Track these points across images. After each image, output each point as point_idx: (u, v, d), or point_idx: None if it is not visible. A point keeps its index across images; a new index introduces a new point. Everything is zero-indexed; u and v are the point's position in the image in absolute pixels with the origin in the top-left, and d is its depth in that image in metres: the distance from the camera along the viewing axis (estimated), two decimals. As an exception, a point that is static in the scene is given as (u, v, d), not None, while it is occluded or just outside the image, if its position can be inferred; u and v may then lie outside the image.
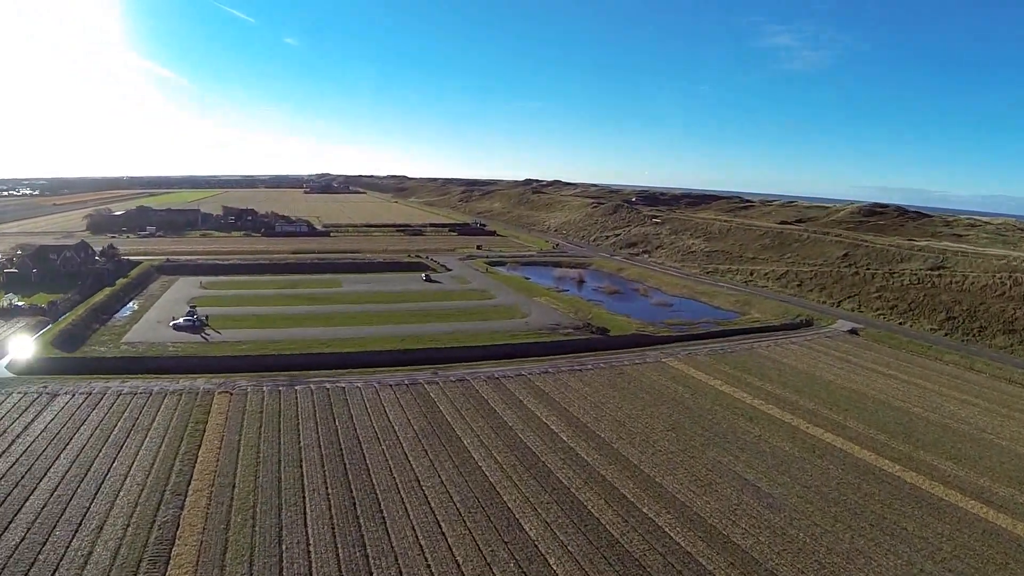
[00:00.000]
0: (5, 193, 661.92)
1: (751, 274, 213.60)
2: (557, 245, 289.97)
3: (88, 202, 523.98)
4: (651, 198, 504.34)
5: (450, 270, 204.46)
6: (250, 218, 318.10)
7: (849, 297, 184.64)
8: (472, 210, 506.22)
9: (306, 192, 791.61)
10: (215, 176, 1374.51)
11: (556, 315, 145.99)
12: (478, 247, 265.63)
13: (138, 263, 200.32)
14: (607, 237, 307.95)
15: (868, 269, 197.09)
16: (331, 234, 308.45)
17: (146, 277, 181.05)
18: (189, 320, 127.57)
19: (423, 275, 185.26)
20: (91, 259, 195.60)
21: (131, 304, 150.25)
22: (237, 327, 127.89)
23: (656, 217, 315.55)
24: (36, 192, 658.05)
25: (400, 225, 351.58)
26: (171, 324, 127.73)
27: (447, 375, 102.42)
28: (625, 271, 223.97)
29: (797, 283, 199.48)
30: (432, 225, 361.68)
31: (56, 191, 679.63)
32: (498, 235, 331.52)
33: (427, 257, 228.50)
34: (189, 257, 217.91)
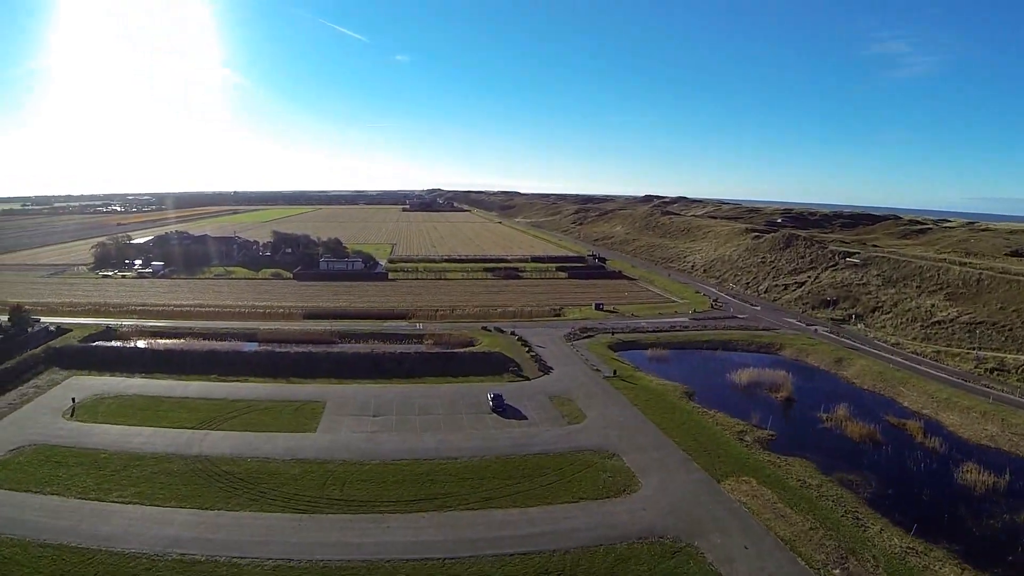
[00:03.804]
0: (94, 208, 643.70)
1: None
2: (716, 300, 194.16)
3: (159, 221, 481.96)
4: (799, 219, 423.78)
5: (549, 370, 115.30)
6: (289, 250, 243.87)
7: None
8: (587, 235, 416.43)
9: (404, 210, 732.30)
10: (325, 192, 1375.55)
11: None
12: (598, 306, 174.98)
13: (65, 332, 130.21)
14: (785, 287, 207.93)
15: None
16: (390, 275, 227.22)
17: (19, 372, 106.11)
18: None
19: (490, 396, 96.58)
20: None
21: None
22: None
23: (851, 255, 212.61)
24: (120, 209, 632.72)
25: (492, 260, 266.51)
26: None
27: None
28: (851, 365, 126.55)
29: None
30: (535, 260, 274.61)
31: (141, 207, 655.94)
32: (624, 277, 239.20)
33: (513, 332, 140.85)
34: (143, 323, 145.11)
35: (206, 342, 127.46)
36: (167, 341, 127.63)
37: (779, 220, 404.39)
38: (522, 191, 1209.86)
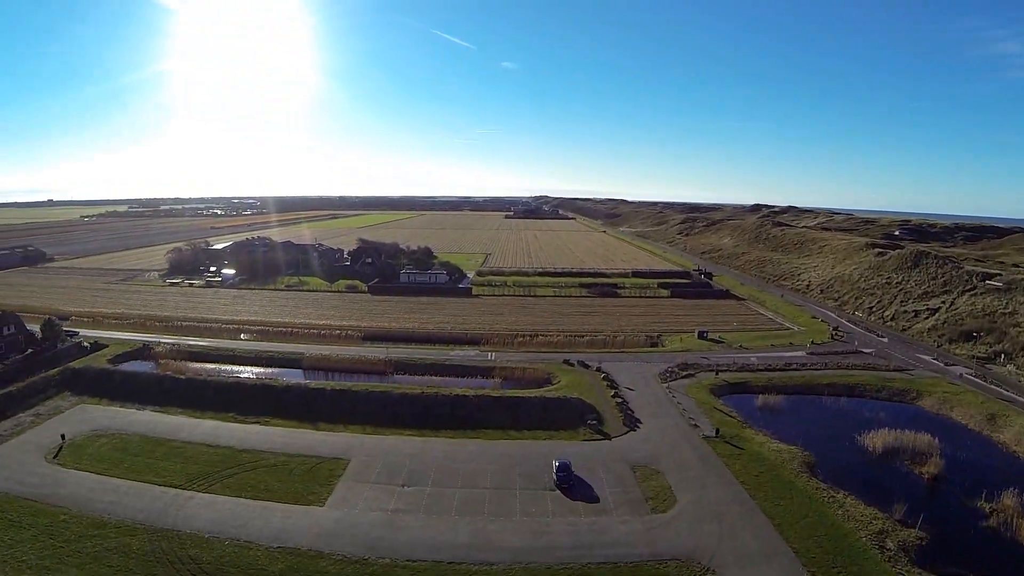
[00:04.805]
0: (196, 212, 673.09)
1: None
2: (837, 329, 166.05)
3: (253, 225, 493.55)
4: (917, 231, 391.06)
5: (636, 424, 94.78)
6: (370, 260, 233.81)
7: None
8: (694, 247, 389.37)
9: (507, 217, 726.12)
10: (432, 197, 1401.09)
11: None
12: (701, 335, 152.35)
13: (99, 348, 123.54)
14: (916, 314, 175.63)
15: None
16: (474, 290, 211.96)
17: (25, 396, 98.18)
18: None
19: (555, 465, 77.43)
20: (14, 343, 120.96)
21: None
22: None
23: (991, 276, 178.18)
24: (220, 212, 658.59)
25: (589, 275, 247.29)
26: None
27: None
28: (1008, 426, 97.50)
29: None
30: (636, 274, 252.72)
31: (242, 210, 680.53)
32: (732, 297, 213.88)
33: (599, 367, 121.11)
34: (185, 340, 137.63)
35: (240, 367, 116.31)
36: (197, 365, 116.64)
37: (896, 232, 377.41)
38: (628, 199, 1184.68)
